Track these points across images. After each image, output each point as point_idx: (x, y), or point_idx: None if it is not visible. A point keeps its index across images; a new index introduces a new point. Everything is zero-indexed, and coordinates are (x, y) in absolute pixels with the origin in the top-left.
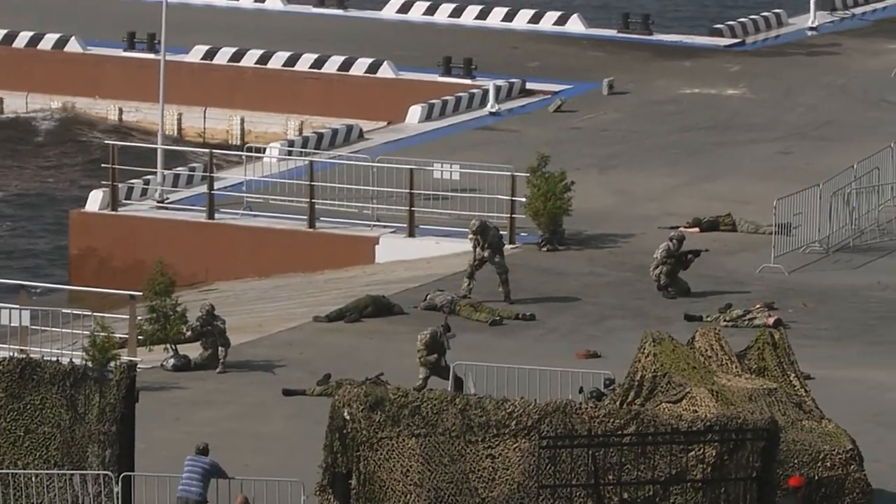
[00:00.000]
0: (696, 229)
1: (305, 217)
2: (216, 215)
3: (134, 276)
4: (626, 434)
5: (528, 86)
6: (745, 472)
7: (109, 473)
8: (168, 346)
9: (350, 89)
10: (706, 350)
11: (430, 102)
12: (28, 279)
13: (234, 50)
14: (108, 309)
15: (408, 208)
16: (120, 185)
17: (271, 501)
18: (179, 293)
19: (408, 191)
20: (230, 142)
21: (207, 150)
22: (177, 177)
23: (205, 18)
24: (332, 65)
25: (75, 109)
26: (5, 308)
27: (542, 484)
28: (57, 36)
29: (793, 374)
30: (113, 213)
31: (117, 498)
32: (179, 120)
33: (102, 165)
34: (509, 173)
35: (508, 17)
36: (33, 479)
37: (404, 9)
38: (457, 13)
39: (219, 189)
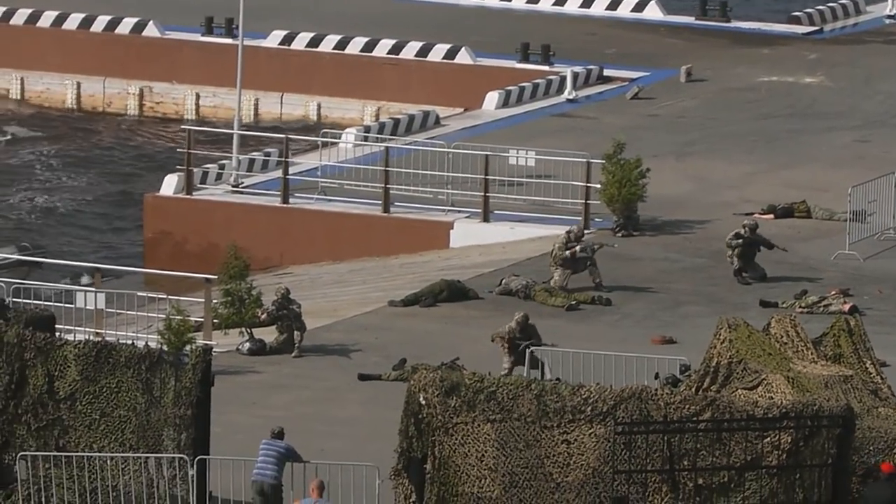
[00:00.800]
0: (771, 216)
1: (380, 202)
2: (291, 200)
3: (208, 259)
4: (701, 420)
5: (606, 73)
6: (820, 459)
7: (185, 457)
8: (243, 329)
9: (427, 75)
10: (782, 336)
11: (507, 89)
12: (103, 262)
13: (311, 35)
14: (183, 292)
15: (483, 194)
16: (195, 170)
17: (346, 486)
18: (254, 277)
19: (483, 177)
20: (307, 127)
21: (283, 136)
22: (252, 161)
23: (283, 3)
24: (410, 51)
25: (152, 94)
26: (81, 291)
27: (617, 469)
28: (135, 20)
29: (868, 361)
30: (188, 197)
31: (192, 481)
32: (256, 105)
33: (178, 150)
34: (585, 160)
35: (586, 4)
36: (109, 461)
37: None
38: None
39: (294, 174)
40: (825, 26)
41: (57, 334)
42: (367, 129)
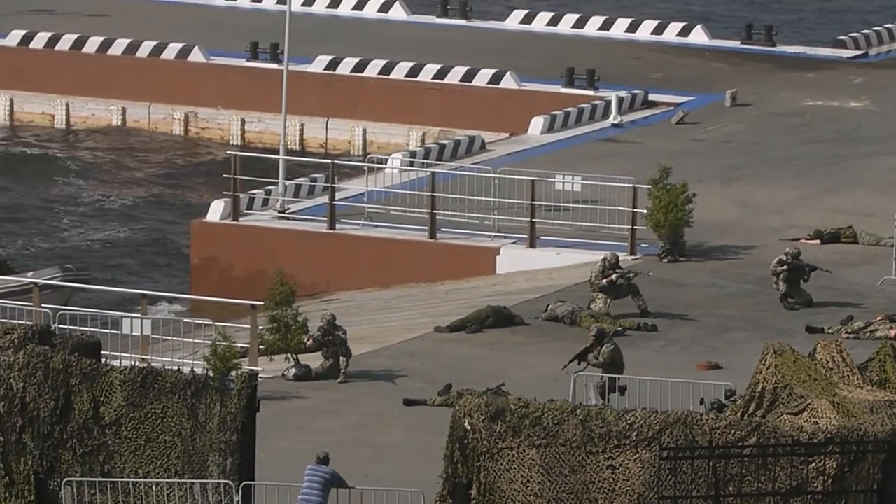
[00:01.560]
0: (817, 241)
1: (426, 227)
2: (337, 225)
3: (255, 285)
4: (746, 445)
5: (651, 97)
6: (865, 485)
7: (230, 482)
8: (289, 355)
9: (472, 100)
10: (828, 362)
11: (552, 114)
12: (150, 289)
13: (356, 60)
14: (229, 318)
15: (529, 219)
16: (241, 196)
17: None
18: (300, 303)
19: (529, 202)
20: (352, 152)
21: (329, 161)
22: (298, 187)
23: (328, 29)
24: (455, 75)
25: (197, 119)
26: (127, 317)
27: (663, 495)
28: (180, 46)
29: None
30: (234, 223)
31: None
32: (301, 130)
33: (224, 176)
34: (631, 185)
35: (632, 28)
36: (154, 487)
37: (527, 19)
38: (580, 24)
39: (340, 199)
40: (870, 50)
41: (103, 360)
42: (413, 154)
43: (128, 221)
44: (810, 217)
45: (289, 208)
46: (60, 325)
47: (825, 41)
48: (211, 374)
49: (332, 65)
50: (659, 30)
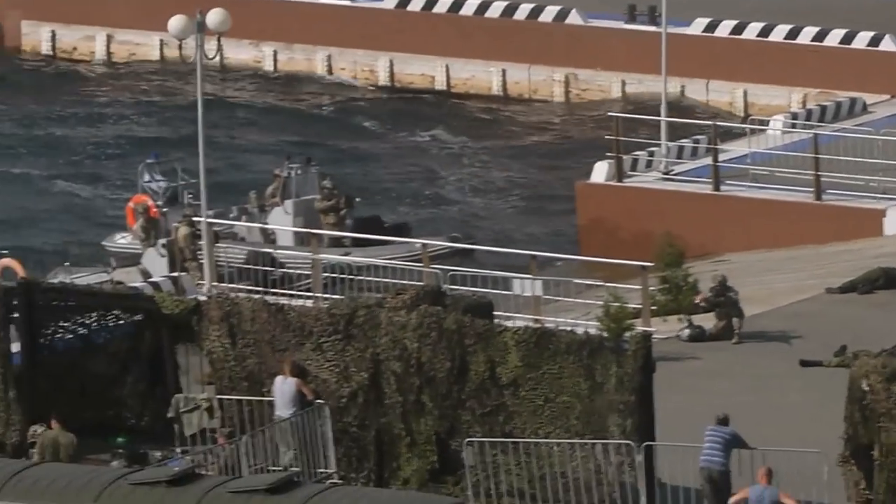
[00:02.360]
0: None
1: (812, 189)
2: (722, 187)
3: (641, 246)
4: None
5: None
6: None
7: (631, 443)
8: (682, 316)
9: (852, 62)
10: None
11: None
12: (538, 250)
13: (735, 23)
14: (618, 279)
15: None
16: (625, 157)
17: (792, 473)
18: (690, 264)
19: None
20: (733, 114)
21: (710, 122)
22: (681, 149)
23: None
24: (834, 38)
25: (577, 81)
26: (518, 278)
27: None
28: (557, 9)
29: None
30: (619, 184)
31: (640, 467)
32: (682, 92)
33: (606, 137)
34: None
35: None
36: (555, 448)
37: None
38: None
39: (723, 161)
40: None
41: (495, 321)
42: (795, 116)
43: (512, 184)
44: None
45: (672, 170)
46: (451, 286)
47: None
48: (605, 334)
49: (710, 27)
50: None
